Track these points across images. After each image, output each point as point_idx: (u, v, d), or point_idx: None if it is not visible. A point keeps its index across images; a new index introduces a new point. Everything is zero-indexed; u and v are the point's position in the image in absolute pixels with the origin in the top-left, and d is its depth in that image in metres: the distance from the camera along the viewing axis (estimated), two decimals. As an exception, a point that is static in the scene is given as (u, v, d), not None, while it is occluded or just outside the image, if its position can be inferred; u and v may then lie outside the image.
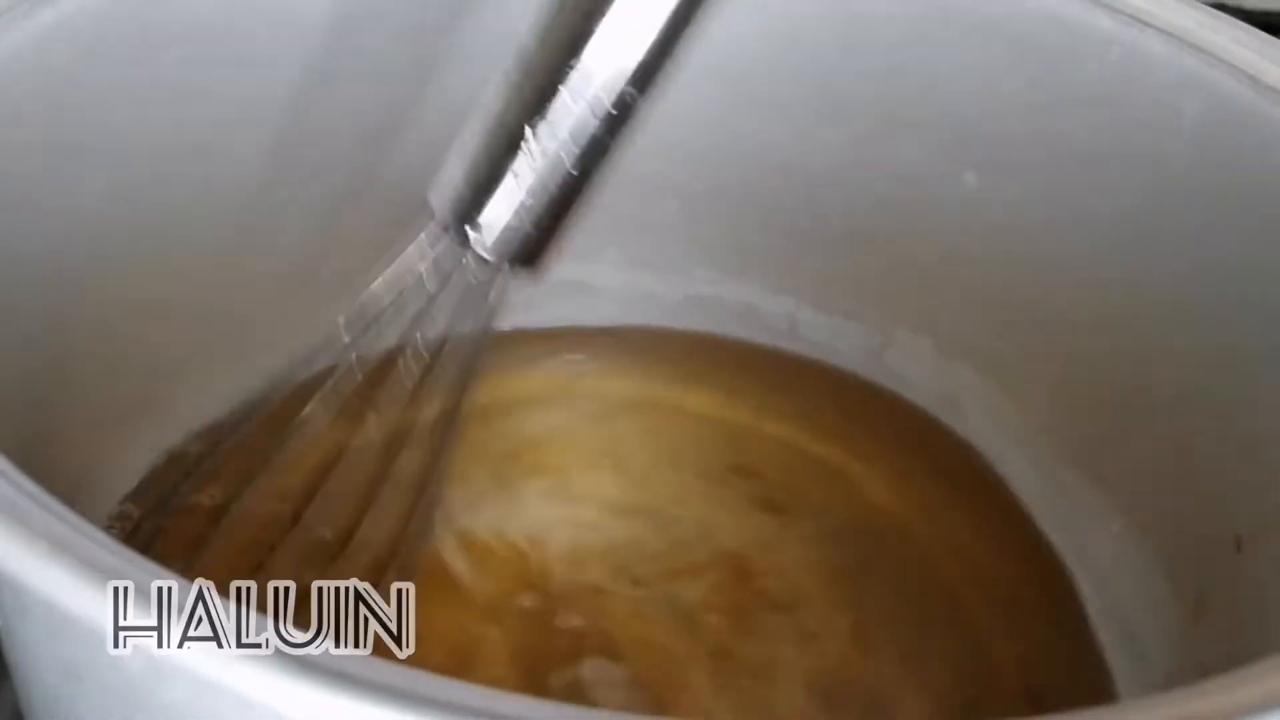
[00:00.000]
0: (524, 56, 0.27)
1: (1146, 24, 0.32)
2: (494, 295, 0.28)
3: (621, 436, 0.37)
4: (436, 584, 0.32)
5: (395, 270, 0.28)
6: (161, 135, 0.31)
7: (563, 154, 0.26)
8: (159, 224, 0.31)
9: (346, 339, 0.29)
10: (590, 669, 0.31)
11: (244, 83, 0.32)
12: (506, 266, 0.27)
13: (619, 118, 0.26)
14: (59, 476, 0.20)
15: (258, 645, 0.17)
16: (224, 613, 0.17)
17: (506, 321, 0.38)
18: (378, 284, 0.29)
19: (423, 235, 0.28)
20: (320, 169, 0.35)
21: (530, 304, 0.39)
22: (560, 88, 0.26)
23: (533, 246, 0.27)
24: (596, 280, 0.39)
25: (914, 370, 0.37)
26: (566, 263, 0.39)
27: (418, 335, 0.29)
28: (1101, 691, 0.31)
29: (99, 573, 0.17)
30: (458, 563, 0.33)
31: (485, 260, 0.27)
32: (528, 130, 0.26)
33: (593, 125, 0.26)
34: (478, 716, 0.16)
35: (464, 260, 0.27)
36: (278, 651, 0.17)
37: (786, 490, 0.36)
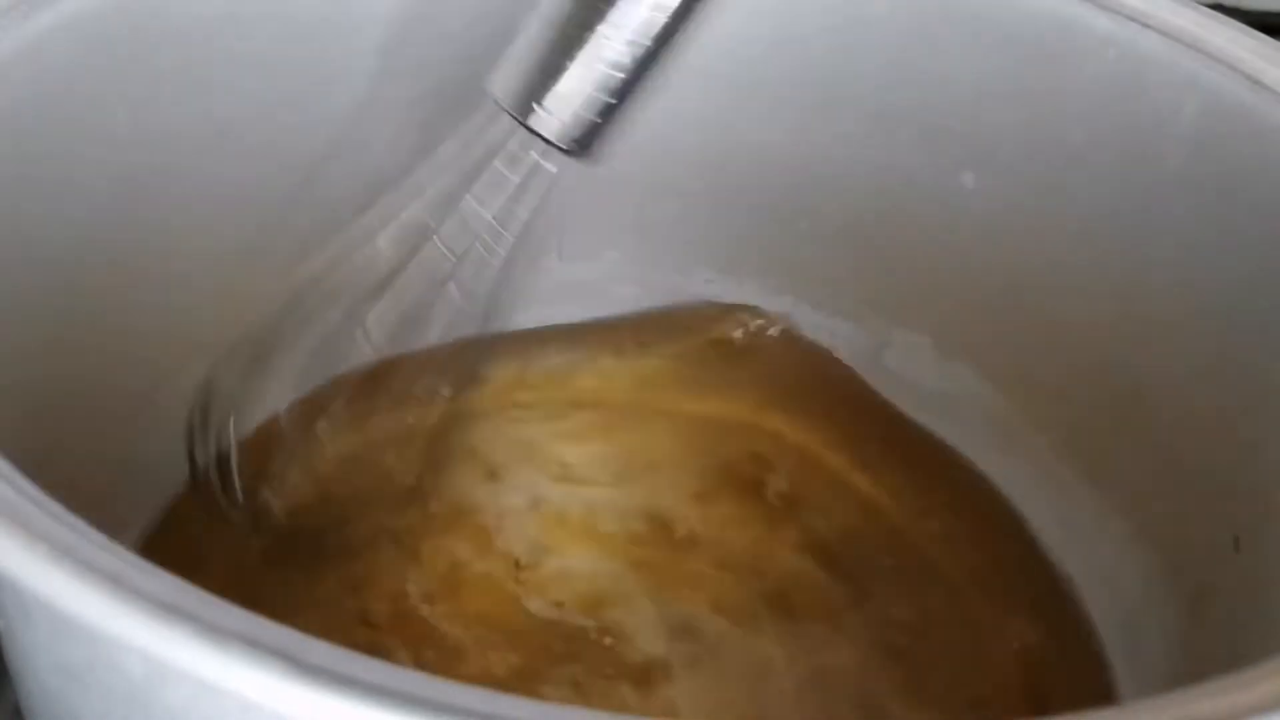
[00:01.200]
0: None
1: (1144, 24, 0.32)
2: (544, 184, 0.30)
3: (621, 436, 0.37)
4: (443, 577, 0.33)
5: (454, 152, 0.30)
6: (161, 136, 0.31)
7: (627, 48, 0.28)
8: (159, 225, 0.31)
9: (430, 223, 0.30)
10: (586, 669, 0.31)
11: (244, 83, 0.32)
12: (569, 149, 0.29)
13: (681, 11, 0.28)
14: (59, 479, 0.20)
15: (260, 646, 0.17)
16: (225, 615, 0.17)
17: (505, 321, 0.38)
18: (439, 160, 0.30)
19: (477, 121, 0.30)
20: (320, 169, 0.35)
21: (530, 303, 0.39)
22: None
23: (592, 133, 0.29)
24: (596, 280, 0.39)
25: (913, 370, 0.37)
26: (566, 262, 0.39)
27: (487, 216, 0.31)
28: (1102, 691, 0.31)
29: (99, 575, 0.17)
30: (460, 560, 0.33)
31: (549, 143, 0.29)
32: (598, 27, 0.28)
33: (656, 21, 0.28)
34: (479, 719, 0.16)
35: (523, 144, 0.29)
36: (279, 654, 0.17)
37: (786, 490, 0.36)
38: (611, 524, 0.35)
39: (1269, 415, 0.30)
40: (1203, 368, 0.31)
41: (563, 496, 0.35)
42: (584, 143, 0.29)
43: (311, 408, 0.33)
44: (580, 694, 0.30)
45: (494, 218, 0.30)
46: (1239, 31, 0.31)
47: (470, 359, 0.35)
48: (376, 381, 0.33)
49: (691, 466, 0.36)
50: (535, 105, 0.29)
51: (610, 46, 0.28)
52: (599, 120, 0.29)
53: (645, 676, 0.31)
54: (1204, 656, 0.29)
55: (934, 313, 0.37)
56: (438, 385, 0.34)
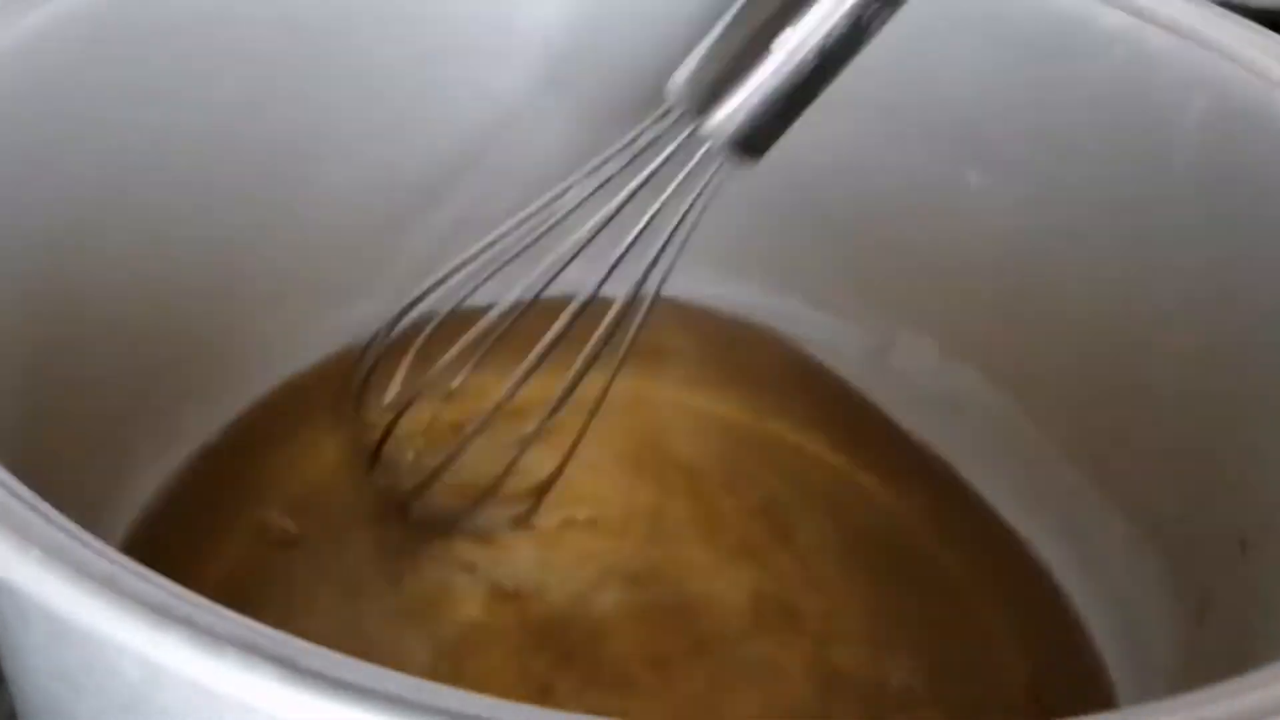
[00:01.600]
0: None
1: (1151, 21, 0.32)
2: (714, 180, 0.31)
3: (621, 436, 0.37)
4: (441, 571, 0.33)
5: (629, 145, 0.31)
6: (158, 134, 0.31)
7: (808, 59, 0.29)
8: (157, 224, 0.31)
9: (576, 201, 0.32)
10: (588, 667, 0.31)
11: (242, 82, 0.32)
12: (734, 152, 0.30)
13: (863, 30, 0.29)
14: (55, 482, 0.20)
15: (255, 651, 0.17)
16: (220, 619, 0.17)
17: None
18: (613, 152, 0.32)
19: (654, 120, 0.31)
20: (319, 168, 0.35)
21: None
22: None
23: (761, 138, 0.30)
24: (596, 280, 0.39)
25: (916, 370, 0.37)
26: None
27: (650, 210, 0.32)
28: (1105, 694, 0.31)
29: (94, 579, 0.17)
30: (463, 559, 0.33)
31: (719, 144, 0.30)
32: (781, 35, 0.29)
33: (839, 35, 0.29)
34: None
35: (695, 142, 0.30)
36: (274, 658, 0.16)
37: (789, 492, 0.36)
38: (611, 522, 0.35)
39: (1274, 415, 0.29)
40: (1207, 367, 0.31)
41: (561, 495, 0.35)
42: (758, 147, 0.30)
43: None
44: (581, 692, 0.30)
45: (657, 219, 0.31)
46: (1246, 28, 0.31)
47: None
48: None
49: (694, 467, 0.36)
50: (713, 107, 0.29)
51: (795, 55, 0.29)
52: (775, 125, 0.30)
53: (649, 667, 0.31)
54: (1209, 660, 0.29)
55: (938, 313, 0.37)
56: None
